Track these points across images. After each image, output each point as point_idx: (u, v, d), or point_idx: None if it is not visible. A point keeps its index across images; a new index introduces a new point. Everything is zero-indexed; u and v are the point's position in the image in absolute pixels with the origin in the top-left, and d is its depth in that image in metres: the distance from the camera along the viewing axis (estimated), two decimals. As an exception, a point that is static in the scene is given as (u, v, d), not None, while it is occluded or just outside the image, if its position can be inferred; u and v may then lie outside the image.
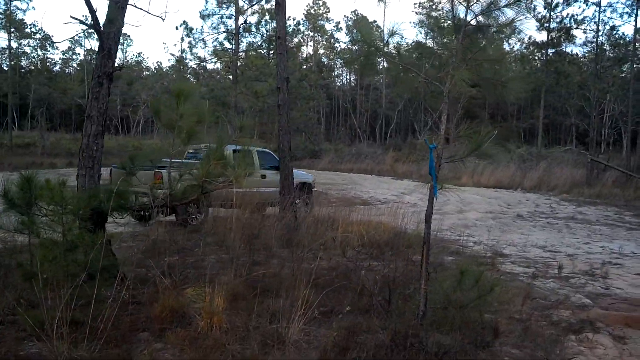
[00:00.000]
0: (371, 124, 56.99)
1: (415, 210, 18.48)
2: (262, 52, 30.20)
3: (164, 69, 72.96)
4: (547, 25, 30.92)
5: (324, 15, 58.55)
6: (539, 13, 31.63)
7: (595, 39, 30.79)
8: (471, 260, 9.36)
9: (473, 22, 4.67)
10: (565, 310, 5.77)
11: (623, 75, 37.72)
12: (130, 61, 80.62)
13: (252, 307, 4.64)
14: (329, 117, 61.63)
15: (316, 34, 61.25)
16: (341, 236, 9.88)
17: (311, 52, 63.31)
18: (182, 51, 41.03)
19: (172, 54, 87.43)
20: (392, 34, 4.68)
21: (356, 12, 61.59)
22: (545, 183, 26.11)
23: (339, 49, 62.33)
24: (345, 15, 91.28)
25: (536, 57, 46.27)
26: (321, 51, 64.84)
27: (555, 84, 35.24)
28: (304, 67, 41.69)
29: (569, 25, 30.46)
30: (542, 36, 36.25)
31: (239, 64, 24.58)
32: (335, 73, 68.48)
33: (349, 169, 30.40)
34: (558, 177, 26.99)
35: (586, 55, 41.60)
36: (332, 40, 61.68)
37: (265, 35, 27.66)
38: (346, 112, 58.73)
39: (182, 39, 34.41)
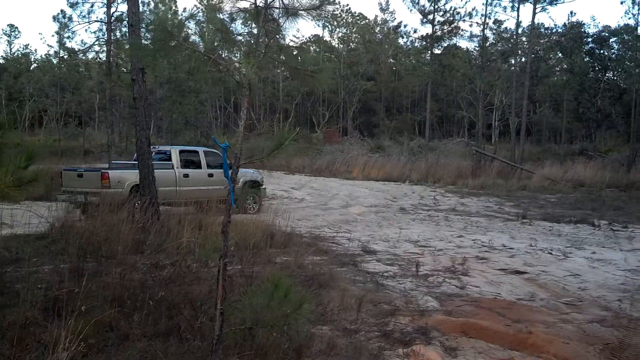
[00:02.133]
0: (270, 118, 56.32)
1: (299, 206, 18.10)
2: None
3: (54, 62, 68.96)
4: (432, 17, 31.39)
5: (220, 5, 56.95)
6: (423, 6, 32.06)
7: (482, 33, 31.61)
8: (337, 258, 8.95)
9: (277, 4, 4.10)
10: (404, 317, 5.38)
11: (511, 67, 38.95)
12: (17, 54, 75.81)
13: (25, 336, 3.90)
14: (230, 109, 60.40)
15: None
16: (201, 239, 9.22)
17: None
18: (60, 42, 38.68)
19: (49, 45, 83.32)
20: (189, 17, 4.07)
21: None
22: (432, 175, 26.44)
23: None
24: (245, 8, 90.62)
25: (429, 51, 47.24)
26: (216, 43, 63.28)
27: (441, 76, 35.88)
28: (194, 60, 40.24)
29: (451, 18, 31.02)
30: (427, 29, 36.62)
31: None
32: (235, 66, 67.21)
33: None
34: (445, 169, 27.43)
35: (476, 48, 42.83)
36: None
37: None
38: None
39: (60, 29, 32.35)
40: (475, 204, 19.33)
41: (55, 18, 32.06)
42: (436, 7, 31.12)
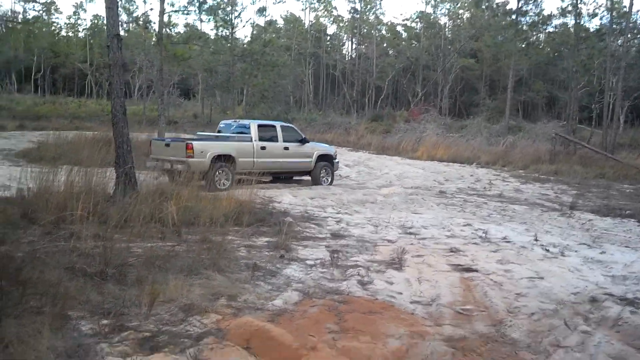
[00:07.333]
0: (365, 94, 55.47)
1: (333, 184, 17.27)
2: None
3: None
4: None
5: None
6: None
7: (575, 5, 28.78)
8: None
9: None
10: (215, 315, 4.52)
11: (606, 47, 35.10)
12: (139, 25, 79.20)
13: None
14: (325, 86, 60.19)
15: (315, 2, 59.65)
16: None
17: (312, 21, 62.24)
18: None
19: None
20: None
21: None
22: (504, 158, 24.53)
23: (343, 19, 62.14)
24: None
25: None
26: (322, 20, 63.62)
27: (525, 54, 33.16)
28: (272, 34, 40.34)
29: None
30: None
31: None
32: (338, 42, 67.40)
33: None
34: (521, 152, 25.45)
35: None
36: (330, 8, 60.13)
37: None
38: (340, 81, 57.22)
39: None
40: (533, 190, 17.62)
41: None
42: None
